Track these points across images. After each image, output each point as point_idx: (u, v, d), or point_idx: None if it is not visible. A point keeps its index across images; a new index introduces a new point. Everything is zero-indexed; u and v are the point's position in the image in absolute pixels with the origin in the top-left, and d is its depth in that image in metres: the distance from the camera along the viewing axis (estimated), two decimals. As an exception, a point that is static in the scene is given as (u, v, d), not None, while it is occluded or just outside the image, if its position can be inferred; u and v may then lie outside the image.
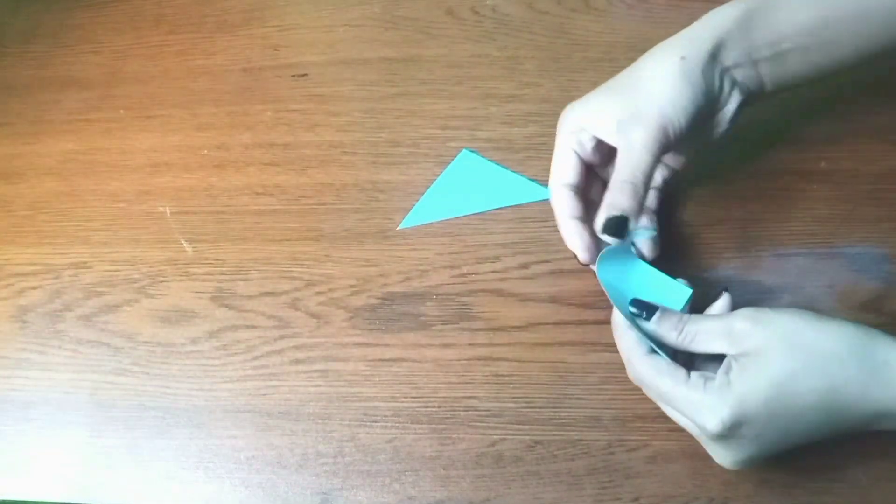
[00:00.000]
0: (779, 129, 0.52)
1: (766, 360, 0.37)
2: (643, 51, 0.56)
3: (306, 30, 0.64)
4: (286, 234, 0.53)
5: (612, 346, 0.43)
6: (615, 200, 0.41)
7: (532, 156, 0.54)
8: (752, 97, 0.44)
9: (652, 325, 0.40)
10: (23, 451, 0.49)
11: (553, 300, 0.49)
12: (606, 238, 0.42)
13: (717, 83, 0.42)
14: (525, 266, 0.50)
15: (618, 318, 0.42)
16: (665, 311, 0.41)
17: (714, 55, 0.42)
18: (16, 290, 0.54)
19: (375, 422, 0.46)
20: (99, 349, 0.51)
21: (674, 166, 0.47)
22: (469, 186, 0.52)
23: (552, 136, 0.54)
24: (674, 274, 0.48)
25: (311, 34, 0.63)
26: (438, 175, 0.53)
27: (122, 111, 0.61)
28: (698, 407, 0.38)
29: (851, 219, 0.49)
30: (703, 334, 0.40)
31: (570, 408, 0.45)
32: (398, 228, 0.52)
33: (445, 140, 0.55)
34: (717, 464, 0.42)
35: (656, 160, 0.42)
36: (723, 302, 0.42)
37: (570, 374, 0.46)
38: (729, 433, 0.37)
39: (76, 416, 0.49)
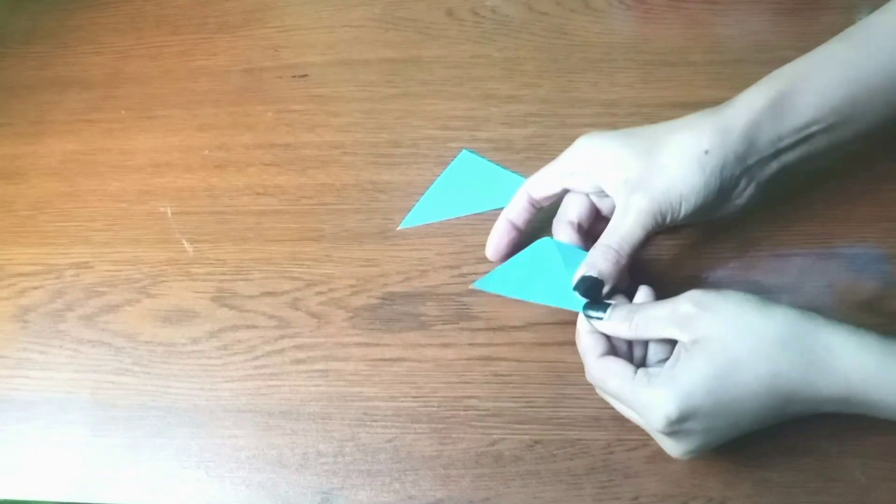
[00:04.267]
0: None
1: (710, 348, 0.37)
2: (642, 52, 0.57)
3: (307, 31, 0.64)
4: (287, 234, 0.54)
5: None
6: (596, 262, 0.42)
7: (532, 156, 0.54)
8: (767, 188, 0.44)
9: (604, 320, 0.41)
10: (24, 451, 0.49)
11: (553, 300, 0.49)
12: (578, 295, 0.43)
13: (734, 181, 0.42)
14: (525, 266, 0.50)
15: (579, 323, 0.42)
16: (615, 306, 0.41)
17: (741, 155, 0.42)
18: (17, 290, 0.54)
19: (376, 421, 0.47)
20: (100, 349, 0.51)
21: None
22: (469, 187, 0.52)
23: (552, 136, 0.55)
24: (672, 275, 0.48)
25: (311, 35, 0.63)
26: (438, 175, 0.53)
27: (123, 112, 0.62)
28: (644, 403, 0.38)
29: (850, 219, 0.49)
30: (653, 321, 0.40)
31: (569, 407, 0.45)
32: (398, 229, 0.52)
33: (445, 140, 0.56)
34: (716, 463, 0.42)
35: (646, 236, 0.42)
36: (642, 294, 0.43)
37: (569, 373, 0.46)
38: (676, 428, 0.37)
39: (77, 416, 0.49)
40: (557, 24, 0.60)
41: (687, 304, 0.39)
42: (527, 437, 0.45)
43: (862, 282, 0.46)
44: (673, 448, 0.39)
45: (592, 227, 0.47)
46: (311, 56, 0.62)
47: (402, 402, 0.47)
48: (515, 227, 0.48)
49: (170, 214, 0.56)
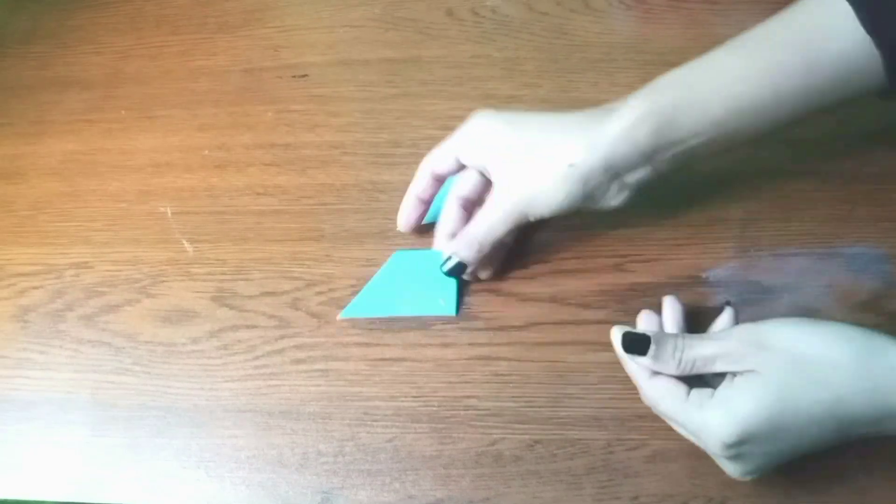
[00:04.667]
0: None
1: (767, 378, 0.36)
2: (642, 52, 0.57)
3: (307, 31, 0.64)
4: (287, 234, 0.54)
5: (611, 346, 0.43)
6: (460, 249, 0.46)
7: (532, 156, 0.54)
8: (642, 189, 0.45)
9: (648, 359, 0.40)
10: (24, 451, 0.49)
11: (553, 300, 0.49)
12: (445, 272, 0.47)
13: (601, 188, 0.44)
14: (525, 266, 0.50)
15: (619, 346, 0.41)
16: (659, 341, 0.40)
17: (608, 166, 0.43)
18: (17, 290, 0.54)
19: (376, 421, 0.47)
20: (100, 349, 0.51)
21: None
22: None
23: (552, 136, 0.54)
24: (672, 274, 0.48)
25: (311, 35, 0.63)
26: (438, 175, 0.53)
27: (123, 112, 0.62)
28: (699, 426, 0.38)
29: (851, 219, 0.49)
30: (701, 360, 0.39)
31: (569, 407, 0.45)
32: (398, 229, 0.52)
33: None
34: (715, 463, 0.42)
35: (509, 233, 0.46)
36: (726, 317, 0.43)
37: (569, 373, 0.46)
38: (734, 452, 0.37)
39: (77, 416, 0.49)
40: (557, 24, 0.60)
41: (738, 343, 0.38)
42: (527, 436, 0.45)
43: (862, 282, 0.47)
44: (731, 469, 0.39)
45: (481, 201, 0.48)
46: (311, 56, 0.62)
47: (402, 401, 0.47)
48: (423, 202, 0.50)
49: (170, 214, 0.56)
